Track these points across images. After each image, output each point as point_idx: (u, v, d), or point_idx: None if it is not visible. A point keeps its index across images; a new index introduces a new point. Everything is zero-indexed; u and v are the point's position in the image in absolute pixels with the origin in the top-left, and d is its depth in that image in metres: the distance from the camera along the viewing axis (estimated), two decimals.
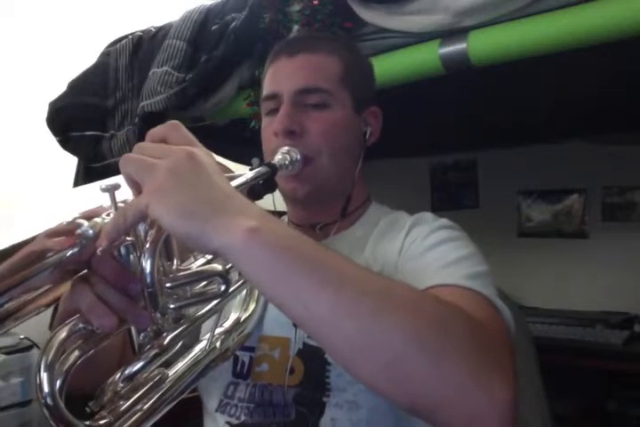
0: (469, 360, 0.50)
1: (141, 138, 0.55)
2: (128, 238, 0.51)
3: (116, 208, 0.51)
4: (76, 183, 1.63)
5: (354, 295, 0.49)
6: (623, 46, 0.96)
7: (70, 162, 1.63)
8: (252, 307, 0.75)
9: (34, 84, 1.99)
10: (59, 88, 1.59)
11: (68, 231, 0.50)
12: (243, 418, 0.78)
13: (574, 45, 0.97)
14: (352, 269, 0.52)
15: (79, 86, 1.56)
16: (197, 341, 0.70)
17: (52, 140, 1.60)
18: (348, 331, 0.48)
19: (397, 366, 0.49)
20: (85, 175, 1.59)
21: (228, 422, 0.79)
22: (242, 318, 0.74)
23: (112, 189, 0.51)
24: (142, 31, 1.52)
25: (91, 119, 1.52)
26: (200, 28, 1.34)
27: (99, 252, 0.50)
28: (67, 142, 1.57)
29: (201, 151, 0.52)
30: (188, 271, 0.56)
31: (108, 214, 0.52)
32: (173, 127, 0.54)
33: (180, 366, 0.64)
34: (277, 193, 0.85)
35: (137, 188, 0.50)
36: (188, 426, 0.93)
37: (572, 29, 0.94)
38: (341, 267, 0.51)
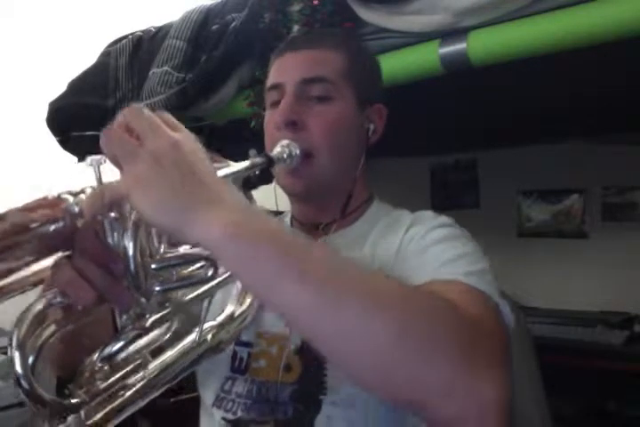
0: (456, 359, 0.50)
1: None
2: (112, 214, 0.50)
3: (99, 184, 0.51)
4: None
5: (337, 289, 0.49)
6: (623, 46, 0.96)
7: (70, 162, 1.64)
8: (248, 301, 0.74)
9: (34, 84, 1.99)
10: (59, 88, 1.59)
11: (52, 205, 0.49)
12: (239, 414, 0.77)
13: (574, 45, 0.97)
14: (336, 262, 0.51)
15: (79, 86, 1.56)
16: (192, 330, 0.69)
17: (52, 140, 1.60)
18: (331, 326, 0.48)
19: (381, 361, 0.48)
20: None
21: (224, 418, 0.78)
22: (236, 313, 0.73)
23: (97, 164, 0.50)
24: (142, 31, 1.52)
25: (91, 119, 1.52)
26: (200, 28, 1.35)
27: (79, 224, 0.49)
28: (67, 142, 1.57)
29: (185, 138, 0.51)
30: (175, 254, 0.56)
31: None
32: (132, 113, 0.51)
33: (168, 354, 0.63)
34: (280, 193, 0.86)
35: (117, 163, 0.50)
36: (188, 426, 0.93)
37: (572, 29, 0.94)
38: (324, 259, 0.50)
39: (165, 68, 1.35)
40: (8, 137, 1.98)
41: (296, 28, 1.18)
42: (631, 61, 1.28)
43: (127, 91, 1.49)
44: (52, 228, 0.48)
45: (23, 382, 0.47)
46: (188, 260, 0.56)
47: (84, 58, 1.61)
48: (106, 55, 1.55)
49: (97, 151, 0.51)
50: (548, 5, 0.96)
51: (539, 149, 2.24)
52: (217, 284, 0.61)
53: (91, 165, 0.50)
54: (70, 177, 1.63)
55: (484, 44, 1.02)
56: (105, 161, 0.51)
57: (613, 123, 1.85)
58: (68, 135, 1.56)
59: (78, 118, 1.54)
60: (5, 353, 1.76)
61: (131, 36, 1.53)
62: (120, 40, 1.55)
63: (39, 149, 1.89)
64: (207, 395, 0.83)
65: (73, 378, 0.56)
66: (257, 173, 0.69)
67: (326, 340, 0.50)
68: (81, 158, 1.60)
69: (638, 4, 0.87)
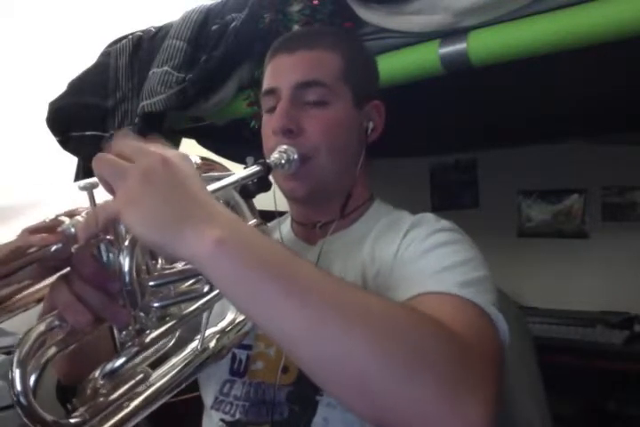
0: (442, 381, 0.48)
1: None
2: (108, 237, 0.52)
3: (93, 208, 0.52)
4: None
5: (321, 309, 0.48)
6: (623, 46, 0.96)
7: (70, 161, 1.64)
8: None
9: (34, 84, 1.99)
10: (59, 88, 1.59)
11: (50, 228, 0.51)
12: (237, 416, 0.77)
13: (574, 45, 0.97)
14: (322, 281, 0.51)
15: (79, 86, 1.56)
16: (194, 336, 0.70)
17: (52, 140, 1.60)
18: (315, 345, 0.48)
19: (363, 383, 0.47)
20: (85, 175, 1.59)
21: (222, 420, 0.78)
22: (237, 320, 0.73)
23: (90, 188, 0.51)
24: (142, 31, 1.52)
25: (91, 119, 1.52)
26: (200, 28, 1.34)
27: (73, 250, 0.50)
28: (67, 142, 1.57)
29: (176, 155, 0.52)
30: (173, 270, 0.56)
31: (87, 213, 0.52)
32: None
33: (168, 365, 0.63)
34: (278, 192, 0.85)
35: (110, 188, 0.50)
36: (188, 426, 0.93)
37: (572, 29, 0.94)
38: (310, 277, 0.50)
39: (165, 68, 1.35)
40: (8, 137, 1.98)
41: (296, 28, 1.18)
42: (631, 61, 1.28)
43: (127, 91, 1.49)
44: (51, 250, 0.49)
45: (22, 401, 0.47)
46: (186, 275, 0.56)
47: (84, 58, 1.61)
48: (106, 55, 1.55)
49: (96, 151, 0.51)
50: (548, 5, 0.95)
51: (539, 149, 2.24)
52: (214, 297, 0.61)
53: (84, 189, 0.51)
54: (70, 177, 1.63)
55: (484, 44, 1.02)
56: (98, 185, 0.51)
57: (613, 123, 1.85)
58: (68, 135, 1.56)
59: (78, 118, 1.53)
60: (5, 353, 1.76)
61: (131, 36, 1.52)
62: (120, 40, 1.55)
63: (39, 149, 1.89)
64: (207, 397, 0.83)
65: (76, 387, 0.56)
66: (255, 181, 0.69)
67: (309, 359, 0.49)
68: (78, 176, 1.60)
69: (638, 4, 0.87)
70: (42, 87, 1.81)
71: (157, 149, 0.51)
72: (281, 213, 0.94)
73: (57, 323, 0.51)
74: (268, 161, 0.73)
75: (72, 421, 0.52)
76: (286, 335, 0.49)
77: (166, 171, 0.49)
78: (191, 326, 0.68)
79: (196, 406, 0.88)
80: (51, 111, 1.57)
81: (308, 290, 0.49)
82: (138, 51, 1.49)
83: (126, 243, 0.51)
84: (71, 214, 0.52)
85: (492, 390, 0.51)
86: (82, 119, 1.53)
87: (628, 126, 1.90)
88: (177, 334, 0.64)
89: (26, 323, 0.54)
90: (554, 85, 1.51)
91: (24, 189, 1.84)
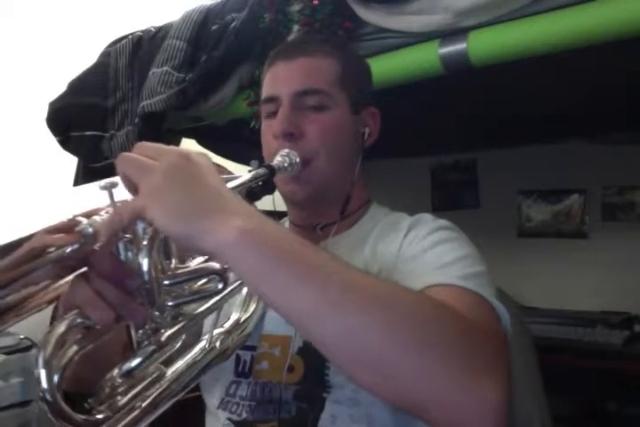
0: (457, 361, 0.50)
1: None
2: (127, 236, 0.53)
3: (115, 206, 0.53)
4: (76, 183, 1.63)
5: (338, 293, 0.50)
6: (623, 46, 0.96)
7: (70, 162, 1.64)
8: (252, 308, 0.76)
9: (34, 84, 1.99)
10: (59, 88, 1.59)
11: (67, 228, 0.51)
12: (244, 415, 0.78)
13: (574, 45, 0.97)
14: (339, 268, 0.53)
15: (79, 86, 1.56)
16: (198, 340, 0.71)
17: (52, 140, 1.60)
18: (334, 328, 0.50)
19: (382, 364, 0.49)
20: (85, 175, 1.59)
21: (229, 419, 0.80)
22: (242, 319, 0.75)
23: (110, 187, 0.52)
24: (142, 31, 1.52)
25: (91, 119, 1.52)
26: (200, 28, 1.35)
27: (96, 247, 0.51)
28: (67, 142, 1.57)
29: (195, 153, 0.54)
30: (186, 269, 0.58)
31: (107, 213, 0.53)
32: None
33: (180, 364, 0.65)
34: (277, 194, 0.86)
35: (133, 187, 0.52)
36: (189, 426, 0.93)
37: (572, 29, 0.94)
38: (327, 265, 0.52)
39: (165, 68, 1.35)
40: (8, 137, 1.98)
41: (296, 27, 1.18)
42: (631, 61, 1.28)
43: (127, 91, 1.49)
44: (68, 250, 0.50)
45: (48, 398, 0.49)
46: (199, 274, 0.57)
47: (84, 58, 1.61)
48: (106, 55, 1.55)
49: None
50: (548, 5, 0.96)
51: (539, 149, 2.24)
52: (226, 296, 0.63)
53: (104, 188, 0.52)
54: (70, 177, 1.63)
55: (484, 44, 1.02)
56: (117, 184, 0.52)
57: (613, 123, 1.85)
58: (68, 135, 1.56)
59: (78, 118, 1.54)
60: (5, 353, 1.76)
61: (131, 36, 1.52)
62: (120, 40, 1.55)
63: (39, 149, 1.89)
64: (212, 399, 0.84)
65: (85, 391, 0.57)
66: (259, 183, 0.71)
67: (327, 341, 0.51)
68: (78, 177, 1.61)
69: (638, 4, 0.88)
70: (42, 87, 1.81)
71: (177, 148, 0.54)
72: (280, 214, 0.94)
73: (79, 321, 0.52)
74: (272, 164, 0.75)
75: (97, 417, 0.54)
76: (306, 320, 0.51)
77: (189, 166, 0.52)
78: (194, 332, 0.70)
79: (197, 406, 0.88)
80: (51, 111, 1.57)
81: (326, 276, 0.51)
82: (138, 51, 1.49)
83: (145, 242, 0.52)
84: (88, 215, 0.53)
85: (505, 373, 0.53)
86: (82, 119, 1.53)
87: (628, 126, 1.90)
88: (183, 337, 0.65)
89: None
90: (554, 85, 1.50)
91: (24, 189, 1.84)
